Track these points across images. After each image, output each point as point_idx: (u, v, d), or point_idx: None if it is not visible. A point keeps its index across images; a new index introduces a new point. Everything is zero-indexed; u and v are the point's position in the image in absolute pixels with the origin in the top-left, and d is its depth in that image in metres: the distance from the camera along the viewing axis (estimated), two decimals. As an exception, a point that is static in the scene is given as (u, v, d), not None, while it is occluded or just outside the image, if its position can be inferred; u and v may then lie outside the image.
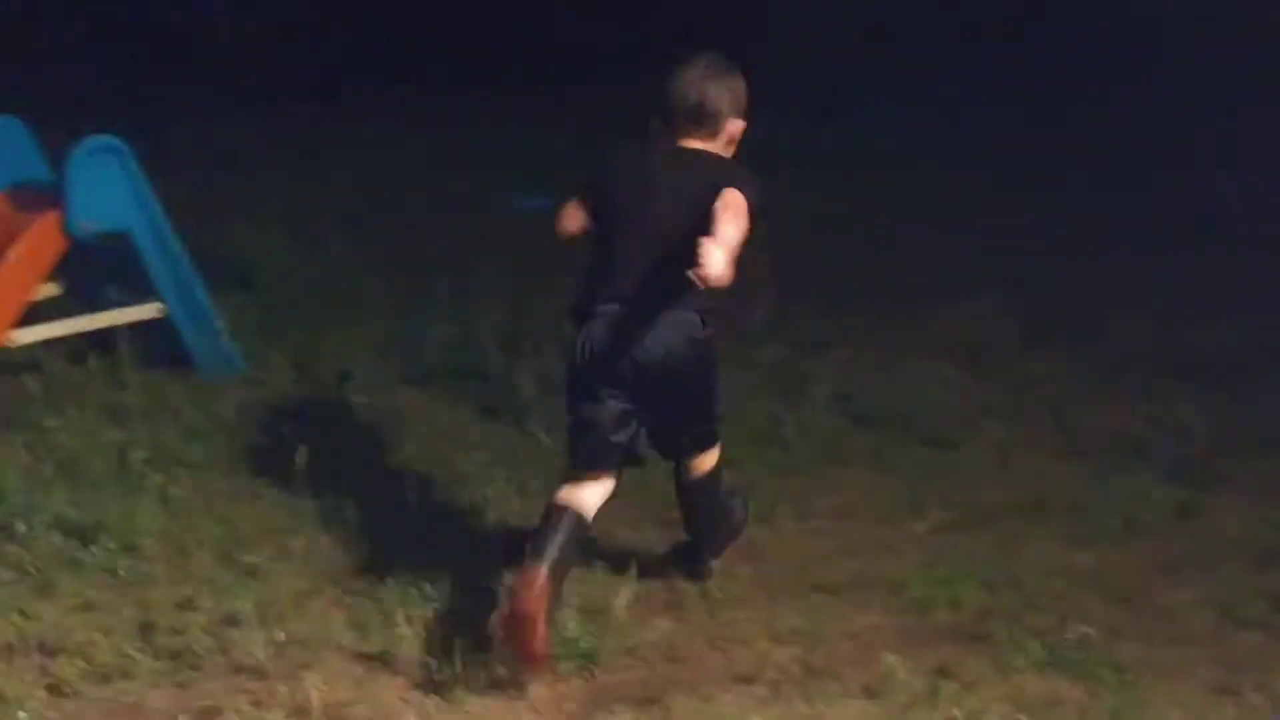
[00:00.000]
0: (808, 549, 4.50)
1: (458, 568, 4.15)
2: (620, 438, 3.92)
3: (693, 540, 4.30)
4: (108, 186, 5.29)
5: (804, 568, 4.36)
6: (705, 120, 3.99)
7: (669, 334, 3.86)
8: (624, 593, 4.03)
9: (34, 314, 5.39)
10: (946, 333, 6.24)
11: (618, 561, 4.23)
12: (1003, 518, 4.73)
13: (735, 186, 3.84)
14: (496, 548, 4.27)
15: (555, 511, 3.87)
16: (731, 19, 9.75)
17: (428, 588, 4.04)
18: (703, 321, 3.92)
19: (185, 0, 10.90)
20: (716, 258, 3.56)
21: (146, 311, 5.44)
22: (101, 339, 5.43)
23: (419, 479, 4.73)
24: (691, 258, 3.57)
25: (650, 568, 4.25)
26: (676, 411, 4.01)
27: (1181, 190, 8.13)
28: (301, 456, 4.65)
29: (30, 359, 5.39)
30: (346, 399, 5.29)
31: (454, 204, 7.83)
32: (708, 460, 4.17)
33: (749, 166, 3.99)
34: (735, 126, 4.04)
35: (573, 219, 4.14)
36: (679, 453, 4.15)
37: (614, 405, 3.89)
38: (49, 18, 10.70)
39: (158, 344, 5.46)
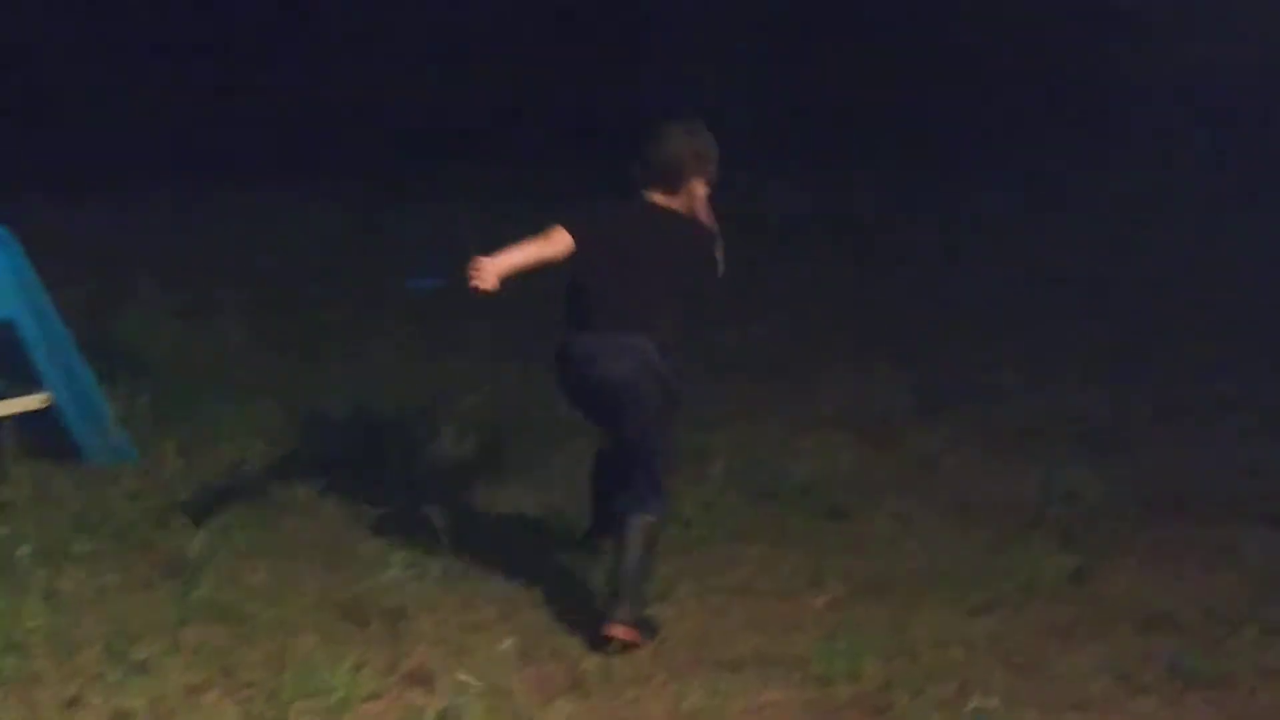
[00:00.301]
0: (709, 625, 4.48)
1: (357, 656, 4.08)
2: None
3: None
4: (-9, 276, 5.20)
5: (706, 644, 4.35)
6: (670, 179, 4.45)
7: (632, 359, 4.34)
8: (526, 673, 3.98)
9: (-85, 406, 5.26)
10: (841, 405, 6.30)
11: (522, 641, 4.19)
12: (901, 588, 4.75)
13: (704, 254, 4.48)
14: (394, 633, 4.21)
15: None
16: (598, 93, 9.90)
17: (325, 677, 3.96)
18: (661, 354, 4.40)
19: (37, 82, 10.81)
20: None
21: (32, 402, 5.33)
22: (-14, 431, 5.31)
23: (313, 566, 4.66)
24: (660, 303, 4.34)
25: (558, 648, 4.21)
26: (626, 432, 4.42)
27: (1066, 262, 8.31)
28: (194, 546, 4.58)
29: (-90, 452, 5.26)
30: (239, 486, 5.20)
31: (346, 284, 7.78)
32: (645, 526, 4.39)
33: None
34: (698, 187, 4.46)
35: (559, 243, 4.48)
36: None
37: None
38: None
39: (44, 435, 5.35)
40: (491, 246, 4.38)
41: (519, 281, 7.53)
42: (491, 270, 4.43)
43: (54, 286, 5.36)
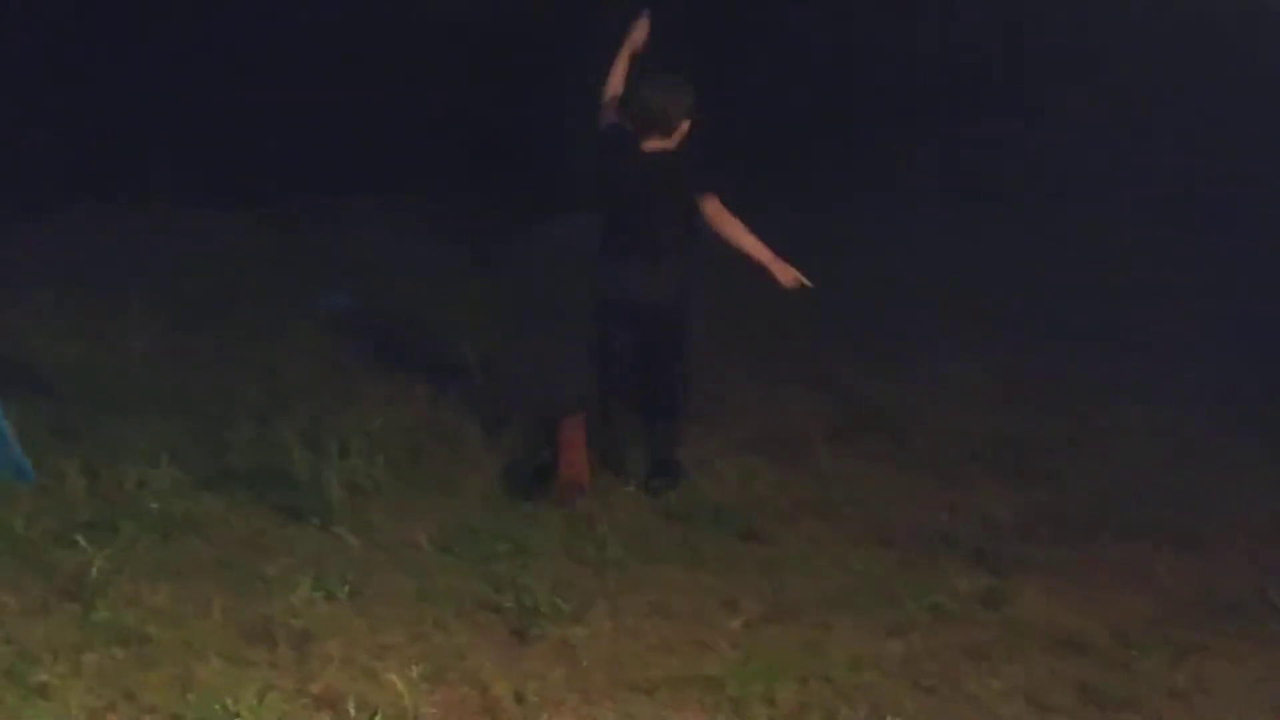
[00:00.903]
0: (623, 648, 4.45)
1: (264, 679, 4.01)
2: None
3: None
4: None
5: (620, 667, 4.31)
6: (662, 126, 5.48)
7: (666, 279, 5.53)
8: (436, 697, 3.92)
9: None
10: (755, 426, 6.30)
11: (432, 666, 4.12)
12: (814, 610, 4.76)
13: (704, 186, 5.55)
14: (301, 656, 4.13)
15: None
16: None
17: (230, 702, 3.87)
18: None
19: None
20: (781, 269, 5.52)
21: (-74, 418, 5.17)
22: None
23: (219, 587, 4.56)
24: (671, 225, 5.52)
25: (468, 671, 4.16)
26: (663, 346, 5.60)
27: (982, 284, 8.38)
28: (95, 567, 4.47)
29: None
30: (142, 505, 5.08)
31: (257, 300, 7.67)
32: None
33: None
34: (684, 126, 5.49)
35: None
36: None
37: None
38: None
39: (-62, 453, 5.20)
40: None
41: (440, 309, 7.54)
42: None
43: (-50, 295, 5.22)
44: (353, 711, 3.91)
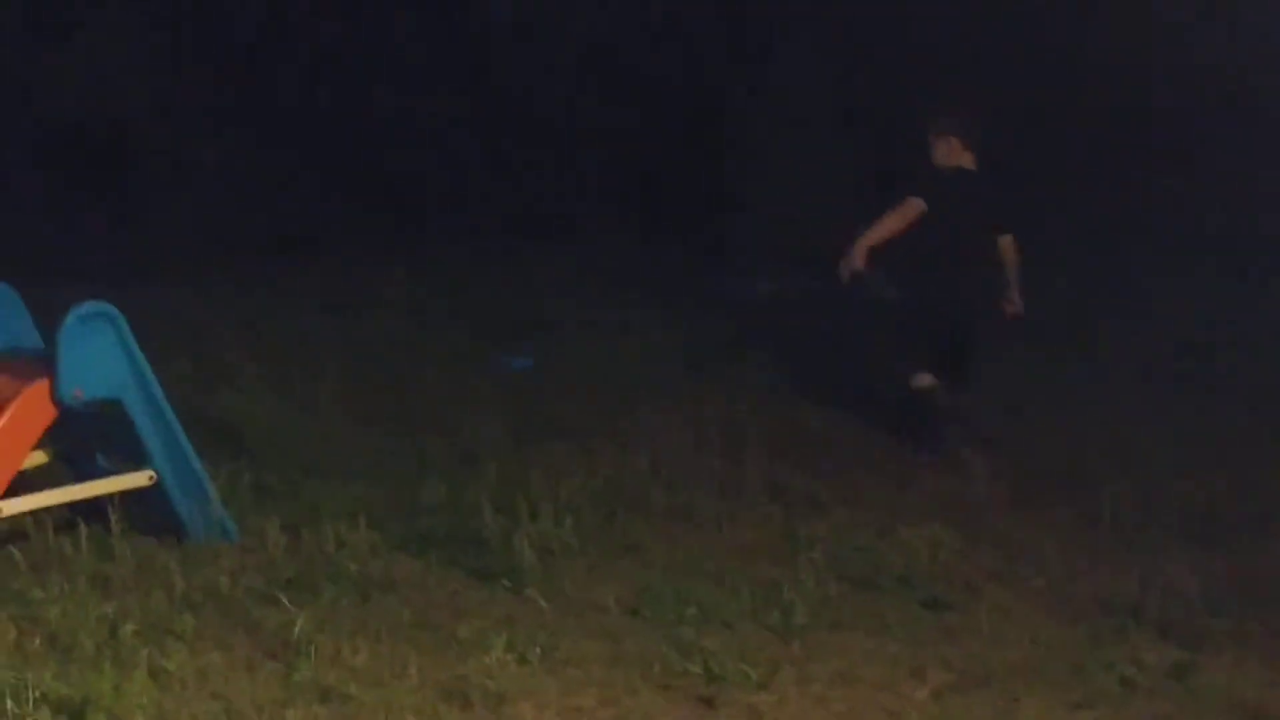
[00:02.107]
0: (811, 715, 4.44)
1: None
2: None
3: None
4: (99, 353, 5.24)
5: (808, 736, 4.31)
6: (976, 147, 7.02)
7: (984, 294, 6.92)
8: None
9: (22, 483, 5.32)
10: (937, 493, 6.27)
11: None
12: (1002, 680, 4.69)
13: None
14: (495, 717, 4.19)
15: None
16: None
17: (432, 762, 3.95)
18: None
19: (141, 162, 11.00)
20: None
21: (137, 479, 5.36)
22: (91, 507, 5.36)
23: (415, 647, 4.66)
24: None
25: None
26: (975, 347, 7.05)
27: (1162, 346, 8.24)
28: (296, 626, 4.60)
29: (18, 529, 5.32)
30: (341, 566, 5.22)
31: (444, 362, 7.86)
32: None
33: None
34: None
35: (914, 209, 6.83)
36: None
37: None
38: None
39: (149, 511, 5.39)
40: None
41: (614, 372, 7.69)
42: (859, 251, 6.70)
43: (154, 364, 5.40)
44: (548, 774, 3.96)
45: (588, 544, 5.52)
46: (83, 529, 5.29)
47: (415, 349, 8.00)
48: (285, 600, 4.88)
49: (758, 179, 10.16)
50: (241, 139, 10.93)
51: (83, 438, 5.57)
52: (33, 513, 5.31)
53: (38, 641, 4.58)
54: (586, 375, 7.69)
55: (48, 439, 5.39)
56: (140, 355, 5.34)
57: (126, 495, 5.39)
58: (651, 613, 4.99)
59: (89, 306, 5.24)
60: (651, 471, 6.24)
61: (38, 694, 4.21)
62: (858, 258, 6.77)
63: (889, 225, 6.79)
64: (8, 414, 5.16)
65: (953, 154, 6.97)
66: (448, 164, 10.98)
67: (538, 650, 4.63)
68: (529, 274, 9.38)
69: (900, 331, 7.01)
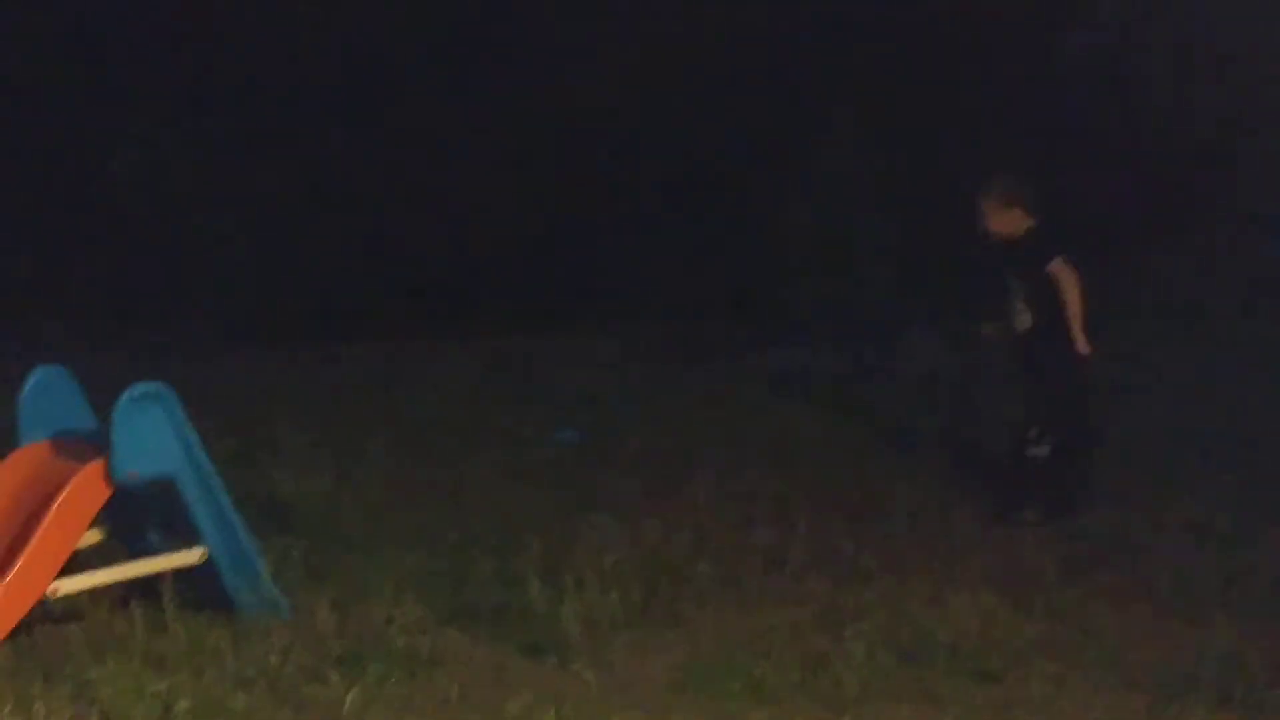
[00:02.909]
0: (862, 791, 4.41)
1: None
2: None
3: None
4: (153, 433, 5.31)
5: (862, 810, 4.27)
6: None
7: None
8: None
9: (77, 562, 5.39)
10: (987, 562, 6.24)
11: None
12: (1057, 754, 4.65)
13: None
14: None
15: None
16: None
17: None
18: None
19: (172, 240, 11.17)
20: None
21: (189, 557, 5.42)
22: (145, 584, 5.43)
23: (464, 721, 4.67)
24: None
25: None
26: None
27: (1213, 414, 8.18)
28: (346, 703, 4.62)
29: (74, 607, 5.38)
30: (389, 641, 5.24)
31: (490, 437, 7.91)
32: None
33: None
34: None
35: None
36: None
37: None
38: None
39: (201, 589, 5.44)
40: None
41: (670, 441, 7.74)
42: (1083, 340, 6.77)
43: (205, 441, 5.46)
44: None
45: (634, 617, 5.51)
46: (136, 607, 5.35)
47: (462, 424, 8.06)
48: (334, 677, 4.90)
49: (804, 254, 10.20)
50: (291, 218, 11.09)
51: (135, 515, 5.64)
52: (88, 591, 5.37)
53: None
54: (633, 449, 7.72)
55: (101, 517, 5.46)
56: (192, 434, 5.40)
57: (179, 572, 5.44)
58: (699, 686, 4.97)
59: (141, 387, 5.31)
60: (697, 543, 6.24)
61: (93, 773, 4.26)
62: (1084, 345, 6.75)
63: (1079, 300, 6.75)
64: (64, 494, 5.23)
65: (1021, 218, 6.87)
66: (495, 241, 11.09)
67: (585, 724, 4.64)
68: (576, 350, 9.45)
69: (1042, 394, 6.93)
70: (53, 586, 5.17)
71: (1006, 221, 6.87)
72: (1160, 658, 5.40)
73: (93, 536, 5.56)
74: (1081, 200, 9.12)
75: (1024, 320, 6.90)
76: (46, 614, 5.32)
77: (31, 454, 5.54)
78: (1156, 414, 8.32)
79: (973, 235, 6.99)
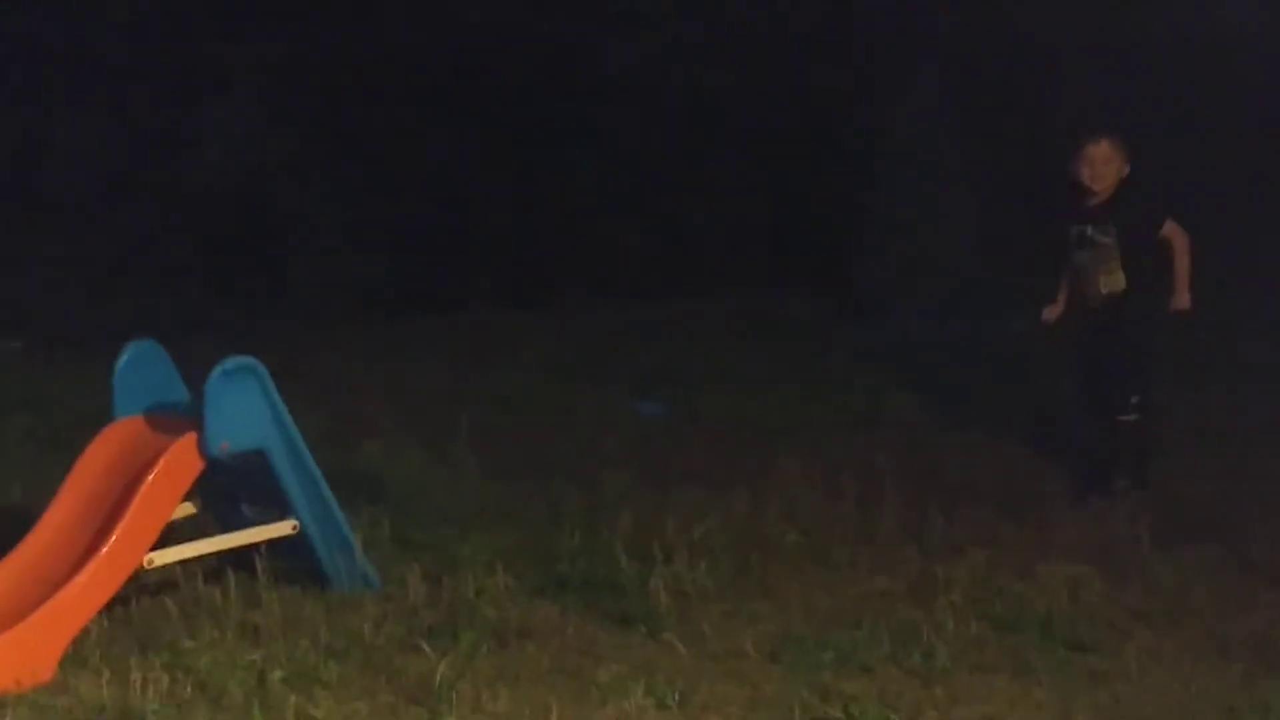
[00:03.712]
0: (956, 762, 4.38)
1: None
2: None
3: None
4: (244, 407, 5.35)
5: (955, 781, 4.24)
6: None
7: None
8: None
9: (171, 534, 5.46)
10: (1078, 534, 6.17)
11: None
12: (1156, 726, 4.58)
13: None
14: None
15: None
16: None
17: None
18: None
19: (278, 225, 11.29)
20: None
21: (281, 529, 5.46)
22: (238, 556, 5.49)
23: (556, 692, 4.68)
24: None
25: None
26: None
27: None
28: (438, 673, 4.65)
29: (168, 578, 5.46)
30: (480, 613, 5.27)
31: (578, 411, 7.93)
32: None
33: None
34: None
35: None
36: None
37: None
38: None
39: (293, 561, 5.50)
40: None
41: (749, 418, 7.71)
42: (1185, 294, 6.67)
43: (297, 415, 5.51)
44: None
45: (723, 588, 5.50)
46: (230, 578, 5.41)
47: (550, 399, 8.08)
48: (426, 648, 4.93)
49: (890, 224, 10.13)
50: (379, 196, 11.17)
51: (228, 489, 5.70)
52: (182, 562, 5.44)
53: (189, 689, 4.67)
54: (720, 422, 7.72)
55: (194, 490, 5.53)
56: (283, 408, 5.44)
57: (272, 544, 5.50)
58: (790, 657, 4.95)
59: (234, 361, 5.36)
60: (786, 515, 6.21)
61: (190, 741, 4.31)
62: (1186, 299, 6.66)
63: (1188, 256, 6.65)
64: (158, 468, 5.28)
65: (1122, 170, 6.72)
66: (580, 218, 11.11)
67: (676, 696, 4.62)
68: (662, 324, 9.44)
69: (1137, 357, 6.79)
70: (148, 558, 5.22)
71: (1110, 173, 6.69)
72: (1256, 629, 5.32)
73: (186, 509, 5.62)
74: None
75: (1116, 281, 6.70)
76: (142, 586, 5.40)
77: (126, 428, 5.61)
78: (1252, 386, 8.18)
79: (1063, 191, 6.83)
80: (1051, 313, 6.88)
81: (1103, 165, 6.69)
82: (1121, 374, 6.77)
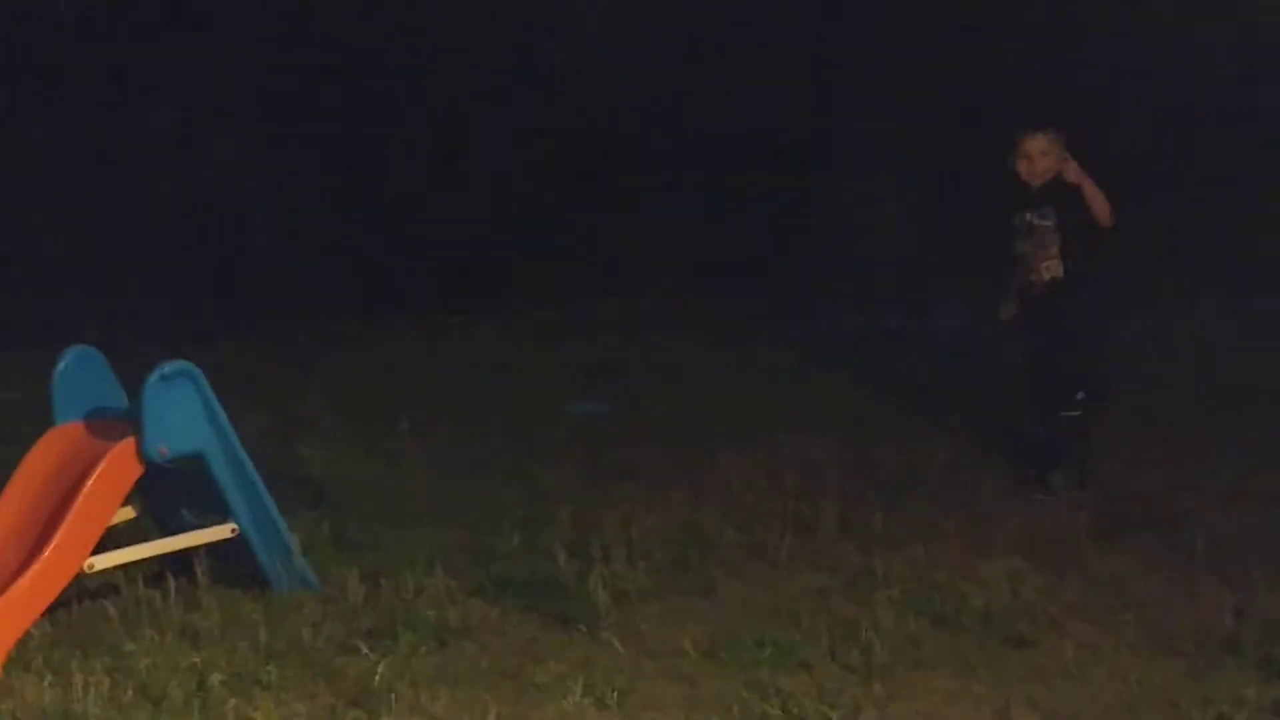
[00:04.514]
0: (895, 757, 4.40)
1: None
2: None
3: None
4: (182, 411, 5.34)
5: (892, 777, 4.26)
6: None
7: None
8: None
9: (111, 539, 5.43)
10: (1018, 528, 6.20)
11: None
12: (1092, 720, 4.61)
13: None
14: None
15: None
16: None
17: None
18: None
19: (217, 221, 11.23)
20: None
21: (221, 532, 5.45)
22: (178, 560, 5.47)
23: (495, 692, 4.67)
24: None
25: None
26: None
27: (1250, 377, 8.12)
28: (378, 675, 4.64)
29: (109, 582, 5.44)
30: (419, 613, 5.26)
31: (517, 410, 7.92)
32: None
33: None
34: None
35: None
36: None
37: None
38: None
39: (233, 564, 5.48)
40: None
41: (696, 410, 7.70)
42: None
43: (234, 419, 5.49)
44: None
45: (662, 586, 5.51)
46: (170, 581, 5.40)
47: (489, 398, 8.07)
48: (365, 649, 4.93)
49: (831, 220, 10.18)
50: (318, 197, 11.13)
51: (168, 492, 5.69)
52: (122, 567, 5.42)
53: (130, 692, 4.67)
54: (660, 419, 7.72)
55: (134, 494, 5.51)
56: (221, 411, 5.43)
57: (212, 547, 5.49)
58: (728, 655, 4.96)
59: (170, 366, 5.34)
60: (725, 513, 6.23)
61: (129, 745, 4.29)
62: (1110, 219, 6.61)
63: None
64: (97, 473, 5.27)
65: (1060, 161, 6.68)
66: (518, 218, 11.10)
67: (615, 695, 4.63)
68: (601, 322, 9.45)
69: (1080, 352, 6.80)
70: (88, 563, 5.21)
71: (1046, 165, 6.70)
72: (1198, 622, 5.33)
73: (126, 514, 5.62)
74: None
75: (1054, 269, 6.71)
76: (83, 590, 5.38)
77: (65, 434, 5.60)
78: (1189, 373, 8.26)
79: (1002, 184, 6.85)
80: (1008, 311, 6.92)
81: (1039, 158, 6.71)
82: (1065, 369, 6.80)
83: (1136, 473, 6.87)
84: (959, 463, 7.07)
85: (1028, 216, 6.74)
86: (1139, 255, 9.50)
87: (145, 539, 5.53)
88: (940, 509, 6.41)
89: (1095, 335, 6.85)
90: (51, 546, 5.10)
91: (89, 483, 5.23)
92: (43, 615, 5.05)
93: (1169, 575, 5.75)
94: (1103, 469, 6.84)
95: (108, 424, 5.52)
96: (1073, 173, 6.62)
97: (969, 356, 8.76)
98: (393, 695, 4.59)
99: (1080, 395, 6.74)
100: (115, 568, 5.38)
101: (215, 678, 4.70)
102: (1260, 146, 10.70)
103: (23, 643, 4.91)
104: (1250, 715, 4.60)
